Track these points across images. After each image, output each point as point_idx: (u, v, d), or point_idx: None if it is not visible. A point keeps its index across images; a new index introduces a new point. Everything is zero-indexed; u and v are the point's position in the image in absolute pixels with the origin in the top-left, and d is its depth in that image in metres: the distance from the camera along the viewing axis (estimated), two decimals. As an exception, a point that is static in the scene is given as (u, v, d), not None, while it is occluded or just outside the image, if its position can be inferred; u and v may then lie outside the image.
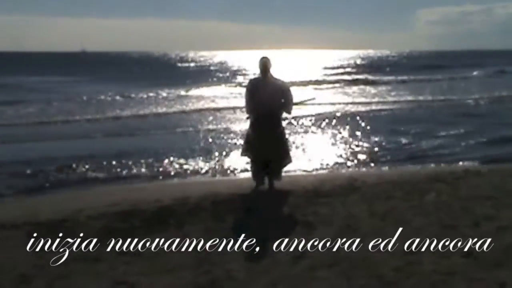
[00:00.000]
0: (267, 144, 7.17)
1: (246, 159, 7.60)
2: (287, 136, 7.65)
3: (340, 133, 14.13)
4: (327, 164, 10.33)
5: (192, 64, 61.34)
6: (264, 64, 7.25)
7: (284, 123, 7.53)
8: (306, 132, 14.48)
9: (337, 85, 35.37)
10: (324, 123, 15.84)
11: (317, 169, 9.90)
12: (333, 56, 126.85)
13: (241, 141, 8.84)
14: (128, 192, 7.89)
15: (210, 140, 13.25)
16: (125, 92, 28.15)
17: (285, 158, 7.46)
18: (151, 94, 27.88)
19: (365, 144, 12.37)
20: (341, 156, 11.17)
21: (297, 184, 7.78)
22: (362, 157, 11.04)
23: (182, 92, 29.25)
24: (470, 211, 6.21)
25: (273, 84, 7.30)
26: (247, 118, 7.45)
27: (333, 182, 7.93)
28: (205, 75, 48.81)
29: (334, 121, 16.38)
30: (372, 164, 10.31)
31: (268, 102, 7.15)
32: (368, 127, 14.76)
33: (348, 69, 58.96)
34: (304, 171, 9.71)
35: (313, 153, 11.41)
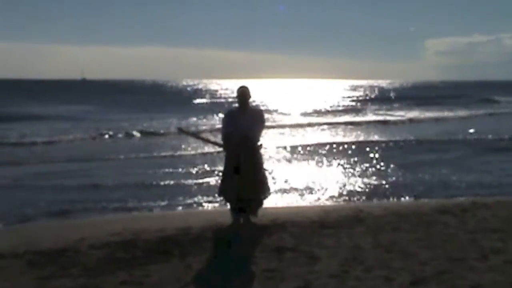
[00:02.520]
0: (244, 179, 6.92)
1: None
2: (264, 164, 7.46)
3: (346, 164, 14.09)
4: (333, 195, 10.30)
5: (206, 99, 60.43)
6: (243, 94, 7.11)
7: (262, 151, 7.40)
8: (311, 162, 14.49)
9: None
10: (330, 154, 15.87)
11: (322, 200, 9.90)
12: (339, 86, 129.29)
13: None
14: (129, 221, 7.90)
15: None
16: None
17: (264, 192, 7.24)
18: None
19: (371, 176, 12.37)
20: (346, 187, 11.13)
21: (302, 214, 7.78)
22: (367, 188, 11.02)
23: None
24: (478, 243, 6.19)
25: (250, 114, 7.16)
26: (223, 149, 7.29)
27: (338, 213, 7.92)
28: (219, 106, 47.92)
29: (341, 152, 16.41)
30: (378, 197, 10.27)
31: (245, 132, 6.96)
32: (374, 160, 14.76)
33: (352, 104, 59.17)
34: (310, 202, 9.75)
35: (319, 184, 11.39)
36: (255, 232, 6.90)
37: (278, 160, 14.80)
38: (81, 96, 62.68)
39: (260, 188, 7.21)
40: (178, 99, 60.16)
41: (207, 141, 8.15)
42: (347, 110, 41.31)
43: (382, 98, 62.27)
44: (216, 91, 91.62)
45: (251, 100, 7.32)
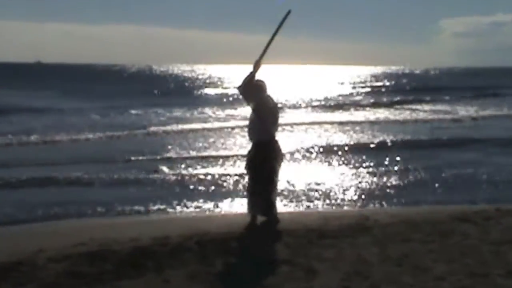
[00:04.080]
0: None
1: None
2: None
3: (349, 164, 14.19)
4: (334, 200, 10.39)
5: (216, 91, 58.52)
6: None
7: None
8: (309, 163, 14.58)
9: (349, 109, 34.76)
10: (330, 154, 15.90)
11: (321, 206, 9.98)
12: (346, 73, 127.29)
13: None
14: (98, 229, 7.81)
15: (200, 169, 13.28)
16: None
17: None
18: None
19: (378, 178, 12.46)
20: (349, 190, 11.22)
21: (298, 222, 7.80)
22: (374, 192, 11.11)
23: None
24: (503, 257, 6.17)
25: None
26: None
27: (340, 220, 7.93)
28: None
29: (343, 151, 16.44)
30: (385, 201, 10.43)
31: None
32: (382, 159, 14.83)
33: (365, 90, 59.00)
34: (307, 207, 9.79)
35: (318, 187, 11.47)
36: (244, 242, 6.92)
37: None
38: (39, 84, 60.13)
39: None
40: (179, 89, 58.17)
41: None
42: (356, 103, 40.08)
43: (398, 88, 60.14)
44: (220, 79, 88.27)
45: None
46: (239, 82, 7.54)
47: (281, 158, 7.64)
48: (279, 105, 7.92)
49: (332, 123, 25.41)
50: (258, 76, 7.47)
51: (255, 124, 7.48)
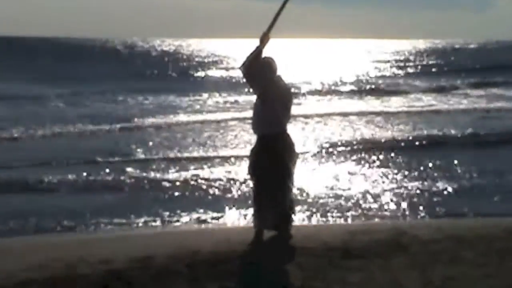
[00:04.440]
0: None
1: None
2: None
3: (381, 165, 14.33)
4: (362, 210, 10.41)
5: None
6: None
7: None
8: (331, 164, 14.74)
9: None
10: (358, 152, 16.10)
11: (346, 217, 10.02)
12: (378, 49, 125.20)
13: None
14: (61, 247, 7.71)
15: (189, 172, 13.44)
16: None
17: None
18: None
19: (418, 182, 12.55)
20: (381, 198, 11.28)
21: (316, 238, 7.73)
22: (412, 200, 11.19)
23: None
24: None
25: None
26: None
27: (369, 236, 7.85)
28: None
29: (374, 149, 16.62)
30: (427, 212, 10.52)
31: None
32: (424, 158, 14.96)
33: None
34: (327, 219, 9.89)
35: (341, 193, 11.61)
36: (247, 263, 6.91)
37: None
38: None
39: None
40: (172, 70, 57.45)
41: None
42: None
43: (455, 67, 59.22)
44: (222, 57, 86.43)
45: None
46: (242, 61, 7.41)
47: (295, 156, 7.52)
48: (293, 90, 7.85)
49: (361, 113, 25.14)
50: (265, 52, 7.33)
51: (261, 113, 7.35)
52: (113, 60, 69.28)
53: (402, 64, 71.22)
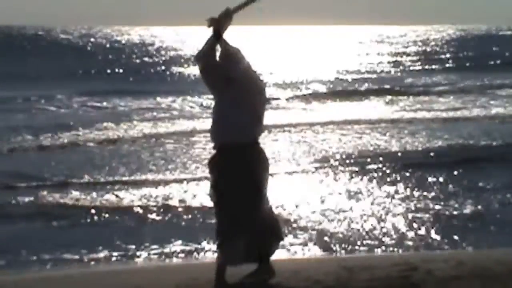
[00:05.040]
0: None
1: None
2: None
3: (387, 185, 13.78)
4: (362, 240, 10.12)
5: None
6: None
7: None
8: (328, 182, 14.17)
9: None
10: (361, 169, 15.42)
11: (343, 248, 9.76)
12: (388, 37, 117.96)
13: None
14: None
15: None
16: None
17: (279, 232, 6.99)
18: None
19: (434, 206, 12.07)
20: (387, 225, 10.98)
21: (306, 275, 7.30)
22: (426, 227, 10.78)
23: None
24: None
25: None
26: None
27: (371, 272, 7.28)
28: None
29: (379, 163, 15.96)
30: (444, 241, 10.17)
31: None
32: (442, 178, 14.28)
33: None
34: (321, 251, 9.64)
35: (338, 218, 11.28)
36: None
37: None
38: None
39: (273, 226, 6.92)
40: (132, 66, 53.34)
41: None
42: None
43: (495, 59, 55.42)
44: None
45: None
46: (197, 50, 6.64)
47: (267, 173, 6.82)
48: (270, 92, 6.95)
49: (367, 122, 23.37)
50: (228, 39, 6.56)
51: (226, 118, 6.55)
52: (53, 54, 64.34)
53: (424, 56, 66.21)
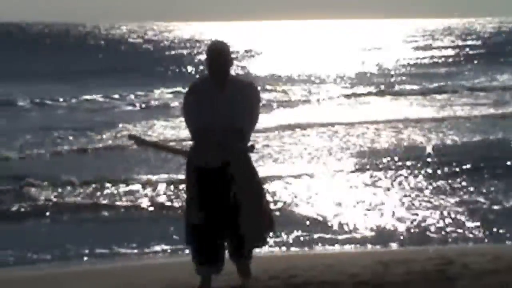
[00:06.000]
0: (222, 208, 6.34)
1: None
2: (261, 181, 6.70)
3: (422, 178, 13.65)
4: (398, 233, 10.04)
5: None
6: (217, 55, 6.37)
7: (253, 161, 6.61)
8: (363, 178, 13.96)
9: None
10: (394, 165, 15.24)
11: (378, 242, 9.63)
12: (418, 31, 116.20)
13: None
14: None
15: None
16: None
17: (269, 227, 6.65)
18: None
19: (470, 199, 11.97)
20: (421, 218, 10.80)
21: (341, 269, 7.24)
22: (462, 221, 10.67)
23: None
24: None
25: (233, 93, 6.34)
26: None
27: (407, 265, 7.27)
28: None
29: (411, 161, 15.67)
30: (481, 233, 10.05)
31: (226, 123, 6.22)
32: (480, 172, 14.17)
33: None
34: (355, 244, 9.54)
35: (372, 212, 11.19)
36: None
37: (292, 165, 14.95)
38: None
39: (264, 221, 6.58)
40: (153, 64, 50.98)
41: (171, 150, 8.10)
42: None
43: None
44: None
45: (233, 66, 6.72)
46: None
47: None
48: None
49: (406, 120, 23.03)
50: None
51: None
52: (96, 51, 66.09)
53: (463, 51, 63.96)
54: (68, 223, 11.27)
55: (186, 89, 6.64)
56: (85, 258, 9.18)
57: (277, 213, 10.94)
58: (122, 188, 13.33)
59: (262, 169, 14.23)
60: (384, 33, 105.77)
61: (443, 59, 55.59)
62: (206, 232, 6.28)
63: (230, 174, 6.16)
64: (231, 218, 6.28)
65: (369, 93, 32.26)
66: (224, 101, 6.24)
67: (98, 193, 12.92)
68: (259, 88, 6.73)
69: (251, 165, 6.35)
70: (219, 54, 6.34)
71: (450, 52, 62.65)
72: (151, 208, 12.11)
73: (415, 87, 34.59)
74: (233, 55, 6.52)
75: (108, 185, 13.40)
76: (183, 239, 6.64)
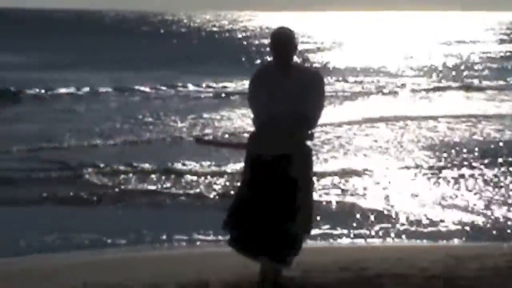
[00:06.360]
0: (272, 201, 6.23)
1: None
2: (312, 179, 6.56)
3: (501, 173, 13.46)
4: (470, 226, 9.91)
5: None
6: (282, 41, 6.35)
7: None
8: (439, 174, 13.66)
9: None
10: (469, 161, 14.95)
11: (448, 235, 9.53)
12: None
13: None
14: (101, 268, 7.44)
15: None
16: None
17: (309, 223, 6.44)
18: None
19: None
20: (494, 214, 10.70)
21: (412, 262, 7.19)
22: None
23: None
24: None
25: (298, 80, 6.30)
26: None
27: (480, 262, 7.15)
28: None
29: (486, 156, 15.37)
30: None
31: (286, 113, 6.20)
32: None
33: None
34: (425, 237, 9.44)
35: (444, 204, 11.12)
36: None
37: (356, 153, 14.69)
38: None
39: (301, 217, 6.41)
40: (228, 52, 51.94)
41: (233, 146, 8.29)
42: None
43: None
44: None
45: (297, 53, 6.66)
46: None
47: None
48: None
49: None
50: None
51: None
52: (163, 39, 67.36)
53: None
54: (146, 209, 11.26)
55: (252, 75, 6.66)
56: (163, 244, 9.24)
57: (347, 206, 11.02)
58: (196, 177, 13.25)
59: (339, 162, 14.15)
60: (465, 25, 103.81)
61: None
62: (252, 210, 6.24)
63: (285, 165, 6.13)
64: (278, 211, 6.19)
65: (449, 87, 31.62)
66: (288, 87, 6.27)
67: (174, 181, 12.91)
68: (323, 78, 6.66)
69: (308, 160, 6.33)
70: (284, 40, 6.38)
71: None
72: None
73: (501, 82, 33.54)
74: (296, 42, 6.44)
75: (186, 173, 13.40)
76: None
